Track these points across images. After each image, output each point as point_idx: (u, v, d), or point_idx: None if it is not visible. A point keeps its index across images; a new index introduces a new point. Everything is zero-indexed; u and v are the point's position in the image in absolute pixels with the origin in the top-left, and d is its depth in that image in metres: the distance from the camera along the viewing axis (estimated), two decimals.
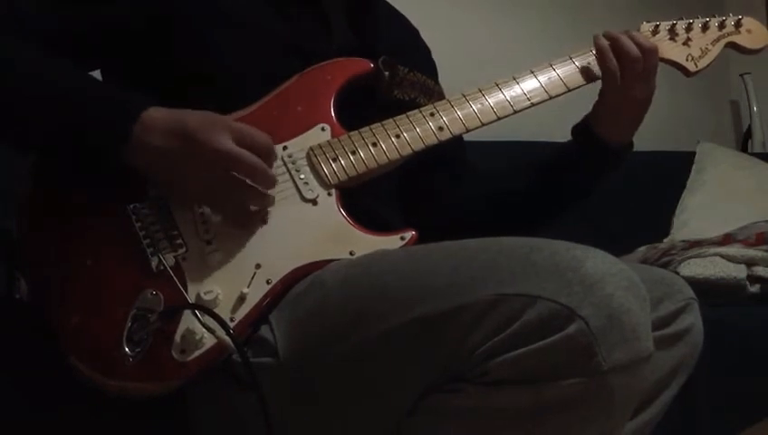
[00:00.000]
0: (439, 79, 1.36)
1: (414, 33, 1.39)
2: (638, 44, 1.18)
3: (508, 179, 1.32)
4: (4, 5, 1.06)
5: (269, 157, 1.01)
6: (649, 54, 1.18)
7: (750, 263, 1.81)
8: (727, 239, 1.94)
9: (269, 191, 1.02)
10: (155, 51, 1.09)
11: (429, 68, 1.36)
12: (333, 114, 1.12)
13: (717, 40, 1.28)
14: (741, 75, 2.95)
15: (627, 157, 1.24)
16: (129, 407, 0.99)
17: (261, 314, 0.99)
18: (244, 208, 1.01)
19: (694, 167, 2.53)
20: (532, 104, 1.18)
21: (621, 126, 1.22)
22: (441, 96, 1.29)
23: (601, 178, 1.25)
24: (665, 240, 2.24)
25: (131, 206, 1.02)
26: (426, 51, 1.39)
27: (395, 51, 1.23)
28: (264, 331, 0.98)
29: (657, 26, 1.27)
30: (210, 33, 1.11)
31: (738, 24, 1.29)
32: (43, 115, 0.99)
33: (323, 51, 1.16)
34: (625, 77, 1.18)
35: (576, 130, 1.25)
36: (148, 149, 0.98)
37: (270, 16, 1.15)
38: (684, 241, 2.05)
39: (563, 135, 1.27)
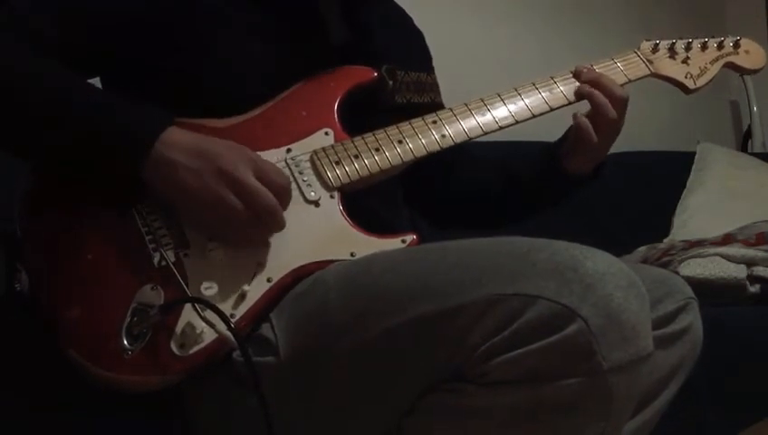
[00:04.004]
0: (446, 81, 1.38)
1: (407, 20, 1.39)
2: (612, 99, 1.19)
3: (485, 177, 1.36)
4: (5, 9, 1.06)
5: (284, 197, 1.01)
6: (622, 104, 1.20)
7: (750, 263, 1.81)
8: (727, 239, 1.94)
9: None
10: (155, 54, 1.09)
11: (423, 58, 1.38)
12: (337, 119, 1.13)
13: (716, 59, 1.30)
14: (741, 75, 2.95)
15: (589, 182, 1.27)
16: (130, 406, 0.99)
17: (261, 311, 0.99)
18: (246, 239, 1.02)
19: (694, 167, 2.53)
20: (534, 116, 1.20)
21: (593, 160, 1.24)
22: (434, 87, 1.32)
23: (563, 199, 1.30)
24: (665, 240, 2.24)
25: (135, 202, 1.02)
26: (419, 37, 1.40)
27: (390, 47, 1.25)
28: (265, 330, 0.99)
29: (657, 44, 1.29)
30: (209, 36, 1.11)
31: (737, 45, 1.31)
32: (61, 128, 1.00)
33: (322, 51, 1.17)
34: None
35: (545, 155, 1.27)
36: (167, 163, 0.98)
37: (268, 17, 1.15)
38: (684, 241, 2.05)
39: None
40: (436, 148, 1.14)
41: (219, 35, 1.11)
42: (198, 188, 0.98)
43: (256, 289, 1.00)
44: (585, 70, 1.22)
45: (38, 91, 1.01)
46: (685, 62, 1.28)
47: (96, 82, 1.13)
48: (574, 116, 1.21)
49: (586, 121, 1.19)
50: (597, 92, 1.19)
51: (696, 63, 1.29)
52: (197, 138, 1.01)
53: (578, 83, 1.22)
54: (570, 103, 1.21)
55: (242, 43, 1.13)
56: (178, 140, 0.99)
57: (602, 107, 1.18)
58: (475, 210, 1.37)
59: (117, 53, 1.10)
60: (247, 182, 0.98)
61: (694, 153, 2.58)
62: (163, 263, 0.99)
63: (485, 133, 1.18)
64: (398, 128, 1.13)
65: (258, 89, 1.12)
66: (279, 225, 1.01)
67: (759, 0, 3.05)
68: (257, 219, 0.99)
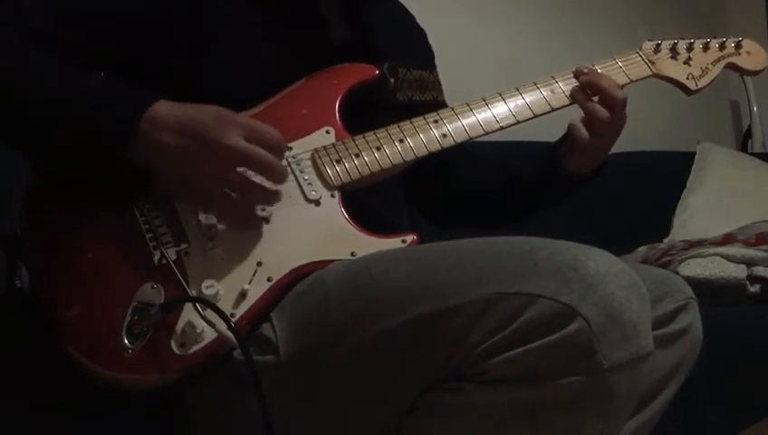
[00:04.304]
0: (447, 80, 1.38)
1: (409, 18, 1.39)
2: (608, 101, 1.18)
3: (486, 177, 1.35)
4: (7, 8, 1.06)
5: (278, 152, 1.01)
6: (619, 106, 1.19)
7: (750, 263, 1.81)
8: (727, 239, 1.94)
9: (277, 188, 1.02)
10: (155, 54, 1.09)
11: (425, 56, 1.37)
12: (338, 118, 1.13)
13: (718, 60, 1.30)
14: (741, 75, 2.95)
15: (590, 181, 1.26)
16: (130, 405, 0.99)
17: (262, 311, 0.99)
18: (251, 206, 1.01)
19: (694, 167, 2.53)
20: (535, 115, 1.20)
21: (593, 160, 1.24)
22: (436, 85, 1.32)
23: (563, 199, 1.30)
24: (665, 240, 2.24)
25: (135, 200, 1.02)
26: (421, 35, 1.40)
27: (392, 45, 1.25)
28: (266, 329, 0.98)
29: (659, 45, 1.29)
30: (209, 35, 1.11)
31: (738, 46, 1.31)
32: (49, 113, 0.99)
33: (322, 50, 1.17)
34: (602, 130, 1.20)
35: (545, 155, 1.27)
36: (156, 145, 0.97)
37: (268, 16, 1.15)
38: (684, 241, 2.05)
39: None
40: (438, 147, 1.14)
41: (219, 35, 1.11)
42: (190, 169, 0.98)
43: (256, 288, 1.00)
44: (585, 70, 1.21)
45: (37, 91, 1.01)
46: (686, 62, 1.28)
47: None
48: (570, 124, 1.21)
49: (576, 122, 1.19)
50: (584, 96, 1.18)
51: (698, 64, 1.28)
52: (184, 110, 0.99)
53: (571, 85, 1.21)
54: (571, 103, 1.21)
55: (242, 43, 1.13)
56: (164, 116, 0.98)
57: (591, 110, 1.18)
58: (475, 210, 1.37)
59: (117, 52, 1.10)
60: (238, 146, 0.97)
61: (694, 153, 2.58)
62: (164, 261, 0.99)
63: (487, 133, 1.17)
64: (399, 126, 1.13)
65: (258, 89, 1.12)
66: (280, 177, 1.01)
67: (759, 0, 3.05)
68: (254, 181, 0.99)
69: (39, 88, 1.01)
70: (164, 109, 0.99)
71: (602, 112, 1.17)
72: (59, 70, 1.03)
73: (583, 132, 1.18)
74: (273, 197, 1.02)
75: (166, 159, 0.98)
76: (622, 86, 1.22)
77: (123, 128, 0.98)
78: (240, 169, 0.99)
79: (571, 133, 1.20)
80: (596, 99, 1.19)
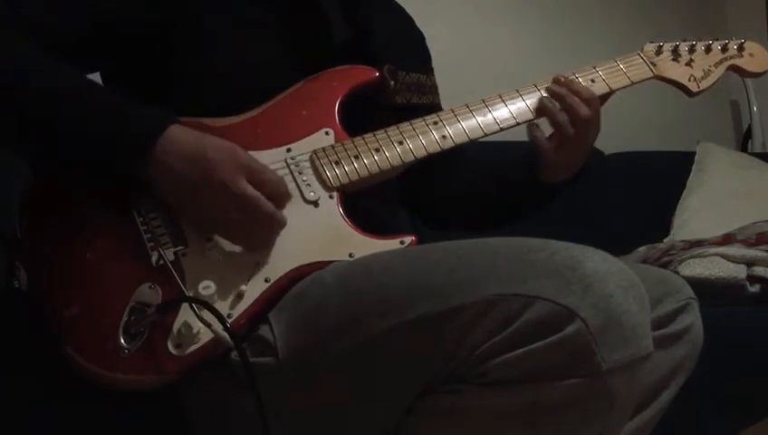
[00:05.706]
0: (446, 80, 1.37)
1: (409, 21, 1.39)
2: (581, 99, 1.17)
3: (477, 179, 1.34)
4: (4, 5, 1.06)
5: (279, 197, 1.01)
6: (591, 103, 1.18)
7: (750, 263, 1.80)
8: (727, 239, 1.94)
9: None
10: (155, 49, 1.09)
11: (423, 59, 1.37)
12: (338, 119, 1.13)
13: (720, 62, 1.29)
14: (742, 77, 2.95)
15: (568, 187, 1.25)
16: (128, 405, 0.99)
17: (259, 311, 0.99)
18: (248, 246, 1.02)
19: (694, 167, 2.53)
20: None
21: (566, 171, 1.23)
22: (433, 89, 1.32)
23: (547, 203, 1.28)
24: (665, 240, 2.24)
25: (134, 201, 1.02)
26: (420, 38, 1.39)
27: (391, 47, 1.25)
28: (264, 331, 0.98)
29: (661, 47, 1.28)
30: (210, 34, 1.11)
31: (741, 48, 1.31)
32: (64, 126, 0.99)
33: (323, 50, 1.17)
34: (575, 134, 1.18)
35: (523, 163, 1.26)
36: (163, 168, 0.98)
37: (269, 15, 1.15)
38: (684, 241, 2.05)
39: None
40: (437, 148, 1.14)
41: (219, 33, 1.11)
42: (194, 202, 0.98)
43: (254, 289, 1.00)
44: (562, 79, 1.20)
45: (39, 90, 1.00)
46: (688, 64, 1.28)
47: (95, 77, 1.13)
48: (528, 127, 1.19)
49: (538, 136, 1.18)
50: (557, 111, 1.17)
51: (700, 66, 1.28)
52: (198, 139, 1.00)
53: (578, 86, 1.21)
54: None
55: (242, 42, 1.13)
56: (178, 140, 0.98)
57: (560, 126, 1.17)
58: (466, 212, 1.36)
59: (117, 52, 1.10)
60: (240, 193, 0.97)
61: (694, 153, 2.58)
62: (161, 262, 0.99)
63: (486, 135, 1.17)
64: (398, 128, 1.13)
65: (259, 88, 1.12)
66: (279, 226, 1.01)
67: (759, 0, 3.05)
68: (256, 225, 0.99)
69: (40, 88, 1.00)
70: (176, 133, 0.99)
71: (568, 129, 1.16)
72: (74, 78, 1.02)
73: (545, 145, 1.18)
74: (265, 240, 1.02)
75: (168, 181, 0.98)
76: (623, 87, 1.22)
77: (137, 146, 0.98)
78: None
79: (534, 147, 1.19)
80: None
